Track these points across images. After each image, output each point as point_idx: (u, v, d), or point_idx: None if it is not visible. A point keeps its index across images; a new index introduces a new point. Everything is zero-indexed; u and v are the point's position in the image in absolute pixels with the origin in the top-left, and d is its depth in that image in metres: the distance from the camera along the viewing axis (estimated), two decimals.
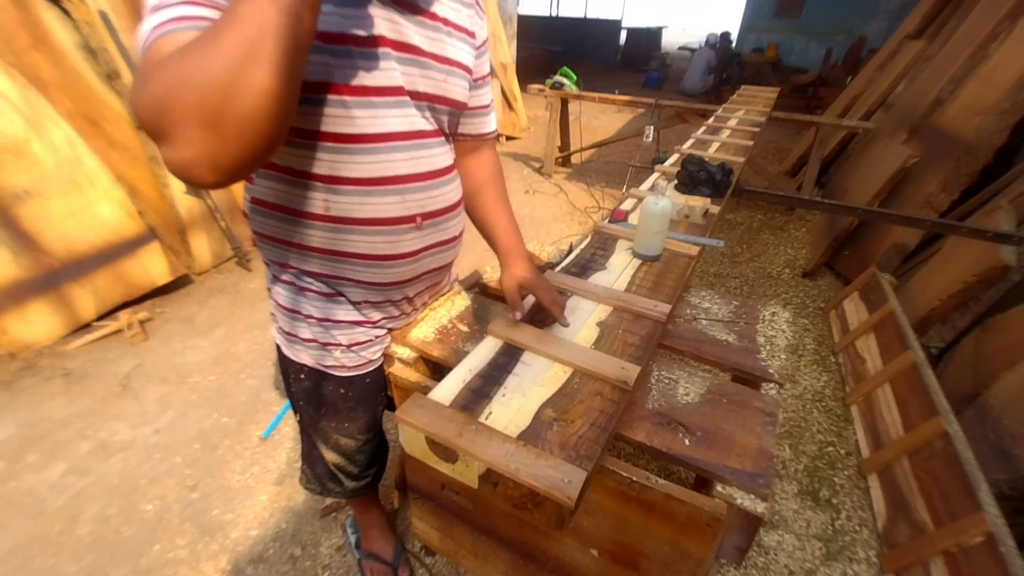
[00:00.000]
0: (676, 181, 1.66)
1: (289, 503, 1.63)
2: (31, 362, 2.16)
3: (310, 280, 0.88)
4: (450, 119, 0.88)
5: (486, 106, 0.99)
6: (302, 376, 0.99)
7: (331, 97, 0.70)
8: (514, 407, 0.73)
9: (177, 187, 2.67)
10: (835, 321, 2.58)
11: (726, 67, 9.33)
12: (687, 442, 0.80)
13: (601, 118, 7.09)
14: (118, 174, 2.47)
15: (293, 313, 0.92)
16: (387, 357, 1.03)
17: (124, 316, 2.34)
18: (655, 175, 1.82)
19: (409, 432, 0.71)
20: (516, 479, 0.63)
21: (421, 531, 1.28)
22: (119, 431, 1.86)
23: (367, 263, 0.84)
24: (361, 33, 0.69)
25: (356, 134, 0.73)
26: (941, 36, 3.73)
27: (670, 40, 16.18)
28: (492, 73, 5.52)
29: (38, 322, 2.21)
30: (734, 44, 10.12)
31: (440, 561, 1.47)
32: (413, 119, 0.78)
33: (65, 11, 2.34)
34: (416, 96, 0.78)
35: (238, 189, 3.01)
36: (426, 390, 0.77)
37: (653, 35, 13.02)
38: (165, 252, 2.58)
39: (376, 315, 0.96)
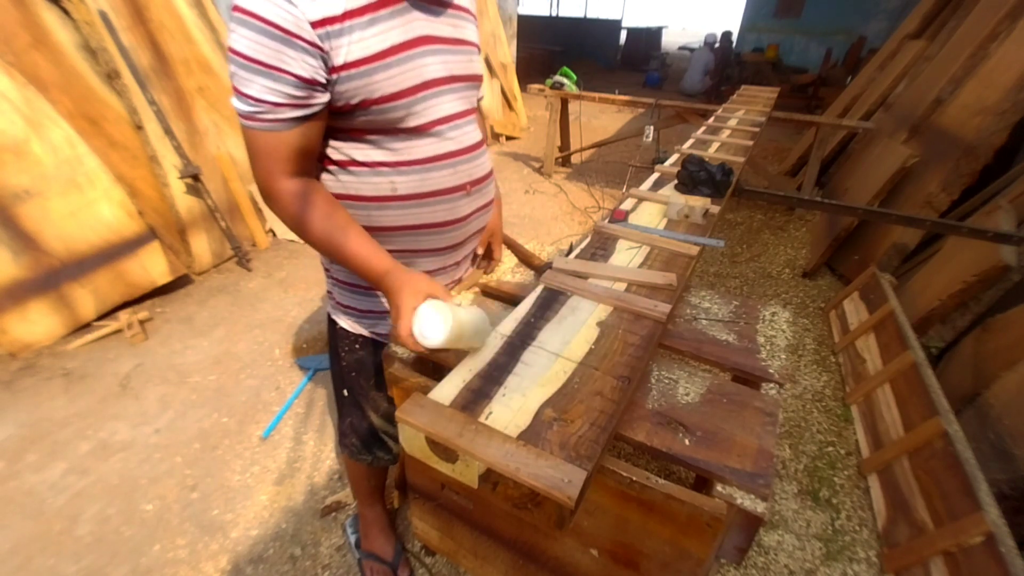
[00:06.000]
0: (676, 181, 1.66)
1: (289, 503, 1.63)
2: (31, 362, 2.16)
3: None
4: (477, 93, 1.00)
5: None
6: (357, 346, 1.09)
7: (397, 103, 0.80)
8: (514, 407, 0.73)
9: (177, 187, 2.68)
10: (835, 321, 2.58)
11: (726, 67, 9.33)
12: (687, 442, 0.80)
13: (601, 118, 7.09)
14: (118, 174, 2.47)
15: (353, 287, 1.02)
16: (387, 357, 1.03)
17: (124, 316, 2.34)
18: (655, 175, 1.82)
19: (409, 432, 0.71)
20: (516, 479, 0.63)
21: (421, 531, 1.28)
22: (119, 431, 1.86)
23: (432, 231, 0.95)
24: (413, 38, 0.80)
25: (416, 125, 0.85)
26: (941, 36, 3.73)
27: (670, 40, 16.18)
28: (492, 73, 5.54)
29: (38, 322, 2.21)
30: (734, 44, 10.12)
31: (440, 561, 1.47)
32: (456, 102, 0.91)
33: (65, 11, 2.34)
34: (456, 80, 0.89)
35: (239, 189, 3.01)
36: (426, 390, 0.76)
37: (653, 35, 13.02)
38: (165, 252, 2.58)
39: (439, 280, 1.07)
